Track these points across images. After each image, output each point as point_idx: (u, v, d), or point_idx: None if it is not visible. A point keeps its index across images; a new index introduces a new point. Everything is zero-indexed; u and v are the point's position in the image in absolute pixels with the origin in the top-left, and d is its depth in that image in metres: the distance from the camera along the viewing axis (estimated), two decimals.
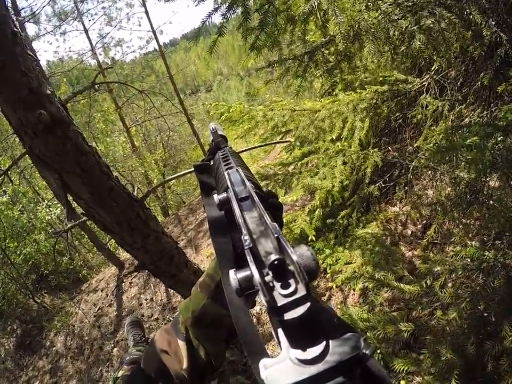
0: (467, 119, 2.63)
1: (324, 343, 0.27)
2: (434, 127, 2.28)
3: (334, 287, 2.63)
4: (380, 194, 2.70)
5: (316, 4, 1.26)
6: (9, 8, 1.74)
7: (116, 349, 4.55)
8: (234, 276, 0.32)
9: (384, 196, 2.73)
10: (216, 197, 0.48)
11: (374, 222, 2.53)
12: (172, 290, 4.31)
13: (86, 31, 9.62)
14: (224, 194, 0.48)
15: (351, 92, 2.75)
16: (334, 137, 2.51)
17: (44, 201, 7.30)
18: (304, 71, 1.68)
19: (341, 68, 1.80)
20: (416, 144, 2.73)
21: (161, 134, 8.32)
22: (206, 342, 0.62)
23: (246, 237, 0.34)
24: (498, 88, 1.85)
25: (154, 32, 9.93)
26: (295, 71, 1.63)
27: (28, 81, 1.64)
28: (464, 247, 2.16)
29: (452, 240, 2.29)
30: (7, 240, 6.22)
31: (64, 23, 9.16)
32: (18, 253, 6.33)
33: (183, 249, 5.74)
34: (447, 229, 2.66)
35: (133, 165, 8.49)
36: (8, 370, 5.22)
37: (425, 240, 2.37)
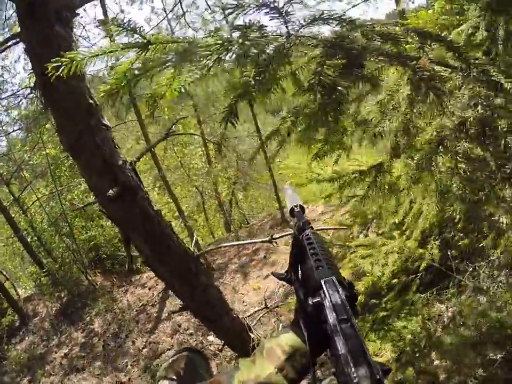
0: None
1: None
2: None
3: None
4: (429, 282, 2.52)
5: None
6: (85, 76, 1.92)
7: (146, 349, 4.68)
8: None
9: (435, 286, 2.53)
10: (310, 300, 0.54)
11: (415, 316, 2.39)
12: None
13: None
14: (318, 298, 0.54)
15: None
16: (397, 221, 2.41)
17: None
18: None
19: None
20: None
21: (238, 153, 8.66)
22: None
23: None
24: None
25: None
26: None
27: (102, 153, 1.85)
28: None
29: None
30: (76, 218, 6.86)
31: None
32: (83, 232, 6.82)
33: (233, 274, 5.74)
34: None
35: (206, 181, 9.00)
36: (44, 330, 5.60)
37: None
